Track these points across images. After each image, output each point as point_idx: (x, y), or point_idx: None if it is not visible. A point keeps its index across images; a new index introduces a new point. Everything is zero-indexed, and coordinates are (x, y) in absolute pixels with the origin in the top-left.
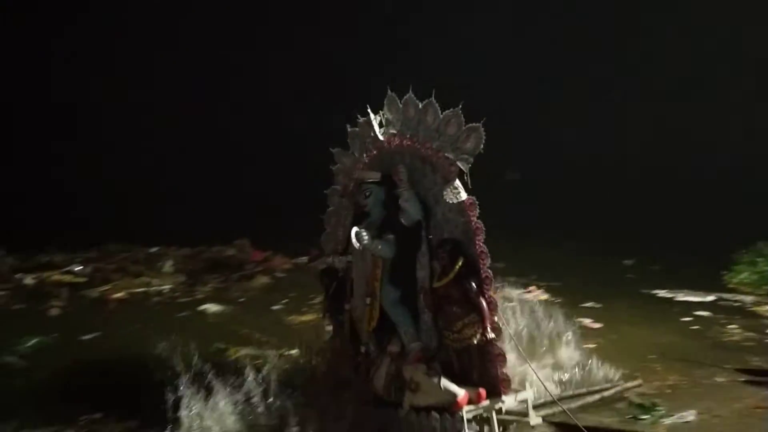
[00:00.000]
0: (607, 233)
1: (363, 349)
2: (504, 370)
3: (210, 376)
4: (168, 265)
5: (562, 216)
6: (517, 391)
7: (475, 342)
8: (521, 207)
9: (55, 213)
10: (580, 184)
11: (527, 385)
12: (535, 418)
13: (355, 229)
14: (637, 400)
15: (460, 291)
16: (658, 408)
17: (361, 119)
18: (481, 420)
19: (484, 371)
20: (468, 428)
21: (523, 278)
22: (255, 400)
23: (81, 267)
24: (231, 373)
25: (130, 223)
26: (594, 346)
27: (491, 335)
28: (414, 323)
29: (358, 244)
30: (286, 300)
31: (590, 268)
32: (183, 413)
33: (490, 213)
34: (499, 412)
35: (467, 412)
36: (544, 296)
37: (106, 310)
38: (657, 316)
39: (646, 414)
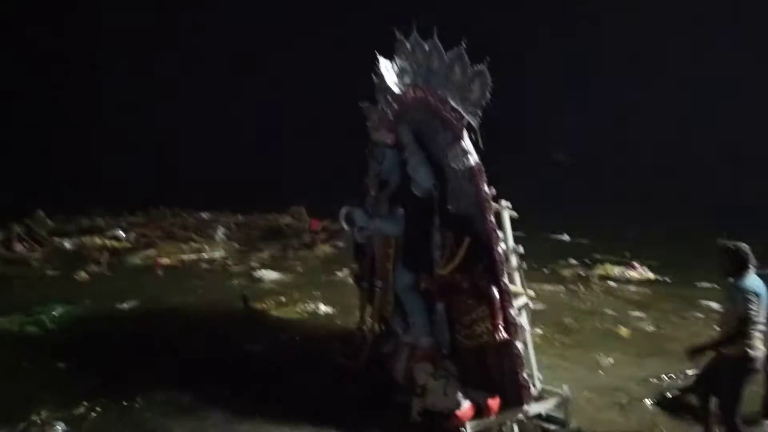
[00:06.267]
0: (708, 209)
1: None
2: (524, 375)
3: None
4: (220, 232)
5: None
6: (546, 398)
7: (486, 340)
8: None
9: (101, 174)
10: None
11: (565, 388)
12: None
13: (344, 208)
14: None
15: (469, 278)
16: None
17: (378, 68)
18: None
19: (503, 376)
20: None
21: (615, 255)
22: None
23: (124, 232)
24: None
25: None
26: None
27: (503, 335)
28: (428, 313)
29: (346, 227)
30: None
31: (691, 246)
32: None
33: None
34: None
35: (472, 427)
36: (650, 274)
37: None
38: None
39: None
